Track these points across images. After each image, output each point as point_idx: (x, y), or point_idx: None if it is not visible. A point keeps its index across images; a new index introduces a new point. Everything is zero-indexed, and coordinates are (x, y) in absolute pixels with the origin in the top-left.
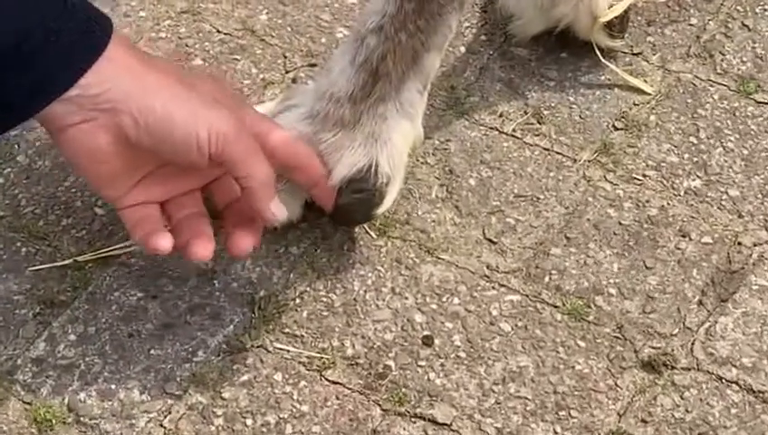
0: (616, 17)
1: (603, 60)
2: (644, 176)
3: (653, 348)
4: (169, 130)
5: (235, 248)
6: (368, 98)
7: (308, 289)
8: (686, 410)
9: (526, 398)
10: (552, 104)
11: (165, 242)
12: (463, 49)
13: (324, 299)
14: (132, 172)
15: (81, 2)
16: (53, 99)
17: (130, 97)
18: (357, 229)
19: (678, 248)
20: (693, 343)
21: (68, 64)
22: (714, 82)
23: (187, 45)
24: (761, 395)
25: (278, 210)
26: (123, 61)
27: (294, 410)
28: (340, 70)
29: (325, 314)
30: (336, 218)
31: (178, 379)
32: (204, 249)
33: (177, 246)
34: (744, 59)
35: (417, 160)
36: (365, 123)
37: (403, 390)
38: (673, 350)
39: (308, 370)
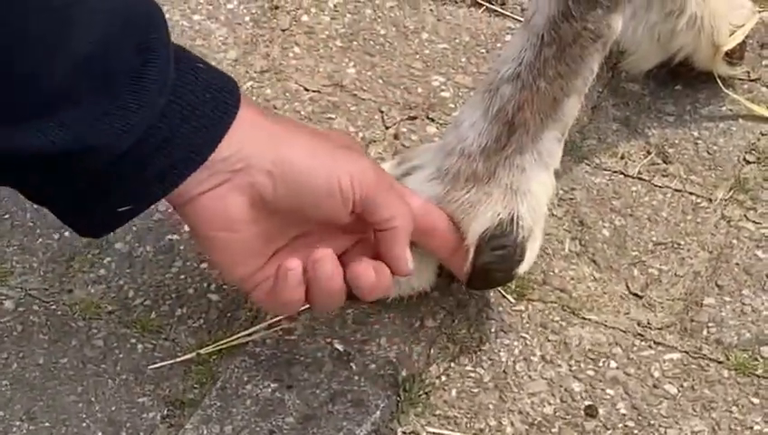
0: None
1: (725, 90)
2: None
3: None
4: (308, 180)
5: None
6: (503, 150)
7: (452, 365)
8: None
9: None
10: (676, 141)
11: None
12: None
13: (472, 374)
14: (266, 244)
15: (207, 68)
16: (189, 174)
17: (263, 152)
18: (492, 294)
19: None
20: None
21: (203, 139)
22: None
23: (275, 107)
24: None
25: (412, 264)
26: (251, 118)
27: None
28: (471, 124)
29: (475, 390)
30: (473, 282)
31: None
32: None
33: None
34: None
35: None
36: (501, 176)
37: None
38: None
39: None
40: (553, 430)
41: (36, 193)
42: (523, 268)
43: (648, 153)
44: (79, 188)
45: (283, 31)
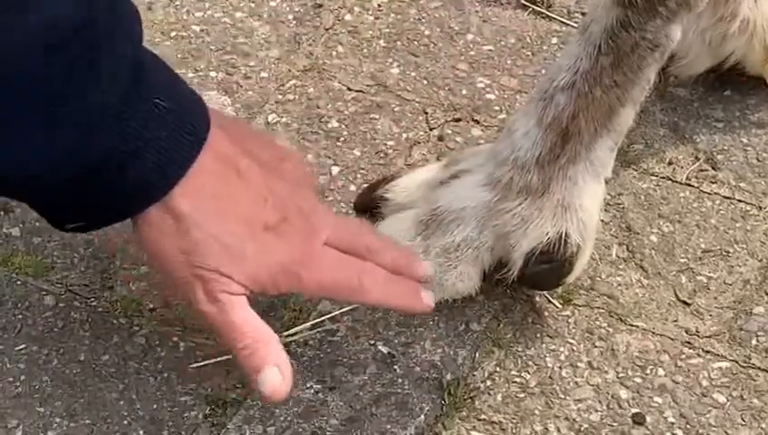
0: None
1: None
2: None
3: None
4: None
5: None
6: (556, 160)
7: (498, 369)
8: None
9: None
10: (725, 147)
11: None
12: None
13: (517, 379)
14: None
15: (167, 108)
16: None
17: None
18: (538, 299)
19: None
20: None
21: (160, 177)
22: None
23: (318, 107)
24: None
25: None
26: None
27: None
28: (525, 132)
29: (521, 395)
30: (520, 284)
31: None
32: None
33: None
34: None
35: None
36: (554, 190)
37: None
38: None
39: None
40: None
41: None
42: (570, 278)
43: (697, 159)
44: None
45: (327, 30)
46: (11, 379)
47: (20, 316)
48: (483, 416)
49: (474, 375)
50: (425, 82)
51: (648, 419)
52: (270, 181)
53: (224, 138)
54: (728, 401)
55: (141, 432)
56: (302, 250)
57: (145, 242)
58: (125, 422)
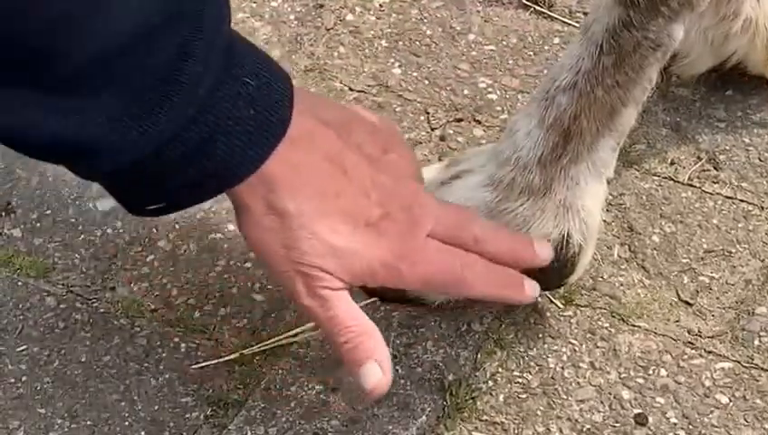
0: None
1: None
2: None
3: None
4: None
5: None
6: (558, 160)
7: (500, 370)
8: None
9: None
10: (727, 147)
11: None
12: None
13: (519, 380)
14: None
15: (256, 86)
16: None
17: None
18: (540, 299)
19: None
20: None
21: (233, 162)
22: None
23: None
24: None
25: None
26: (290, 156)
27: None
28: (526, 133)
29: (523, 396)
30: None
31: None
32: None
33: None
34: None
35: None
36: (556, 190)
37: None
38: None
39: None
40: None
41: (79, 174)
42: (572, 278)
43: (699, 159)
44: (109, 177)
45: (328, 30)
46: (12, 380)
47: (21, 317)
48: (485, 417)
49: (475, 376)
50: (426, 82)
51: (651, 419)
52: (374, 175)
53: (329, 134)
54: (731, 401)
55: (142, 433)
56: (404, 245)
57: (247, 236)
58: (126, 423)
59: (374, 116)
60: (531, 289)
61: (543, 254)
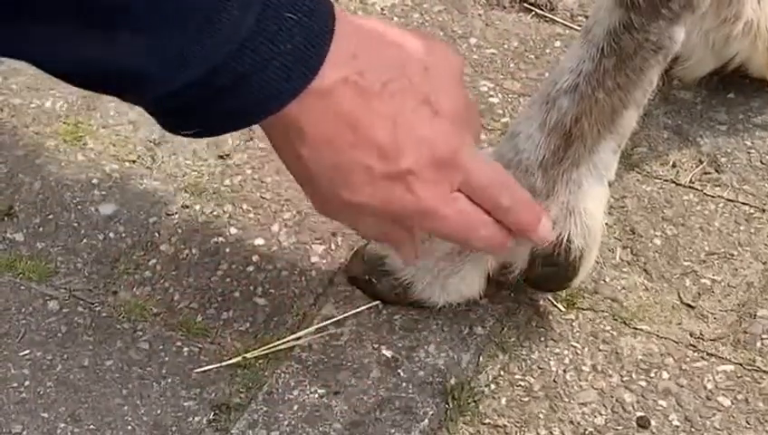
0: None
1: None
2: None
3: None
4: None
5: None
6: (560, 163)
7: (501, 373)
8: None
9: None
10: (728, 150)
11: None
12: None
13: (521, 383)
14: None
15: (297, 20)
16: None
17: None
18: (542, 303)
19: None
20: None
21: (274, 91)
22: None
23: None
24: None
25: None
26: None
27: None
28: (528, 136)
29: (525, 399)
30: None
31: None
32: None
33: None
34: None
35: None
36: (558, 193)
37: None
38: None
39: None
40: None
41: (123, 99)
42: (576, 281)
43: (700, 162)
44: (153, 103)
45: None
46: (15, 384)
47: (24, 321)
48: (487, 420)
49: (478, 379)
50: None
51: (653, 422)
52: (407, 127)
53: (352, 91)
54: (733, 404)
55: None
56: (424, 203)
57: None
58: (129, 427)
59: (431, 53)
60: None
61: (541, 236)
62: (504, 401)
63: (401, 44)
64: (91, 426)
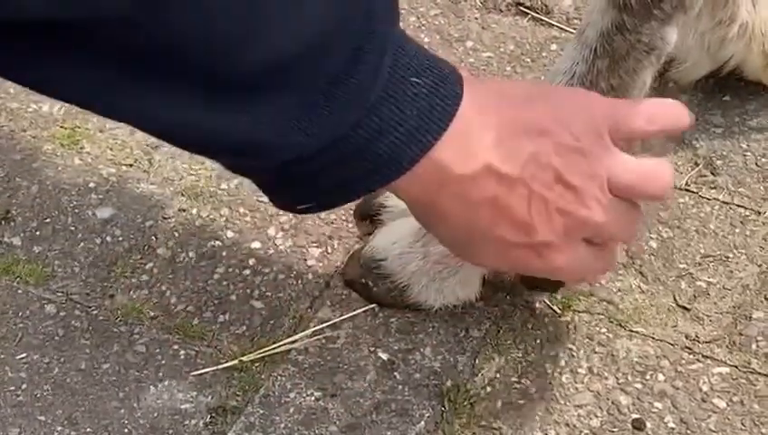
0: None
1: None
2: None
3: None
4: None
5: None
6: None
7: (497, 375)
8: None
9: None
10: (724, 153)
11: None
12: None
13: (517, 385)
14: None
15: (422, 84)
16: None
17: None
18: (538, 305)
19: None
20: None
21: (400, 154)
22: None
23: None
24: None
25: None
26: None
27: None
28: None
29: (521, 401)
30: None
31: None
32: None
33: None
34: None
35: None
36: None
37: None
38: None
39: None
40: None
41: (234, 170)
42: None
43: (696, 165)
44: (264, 175)
45: None
46: (12, 387)
47: (21, 325)
48: (483, 422)
49: (474, 381)
50: None
51: (649, 424)
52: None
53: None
54: (728, 406)
55: None
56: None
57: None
58: (125, 430)
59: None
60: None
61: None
62: (499, 403)
63: (540, 110)
64: (88, 429)
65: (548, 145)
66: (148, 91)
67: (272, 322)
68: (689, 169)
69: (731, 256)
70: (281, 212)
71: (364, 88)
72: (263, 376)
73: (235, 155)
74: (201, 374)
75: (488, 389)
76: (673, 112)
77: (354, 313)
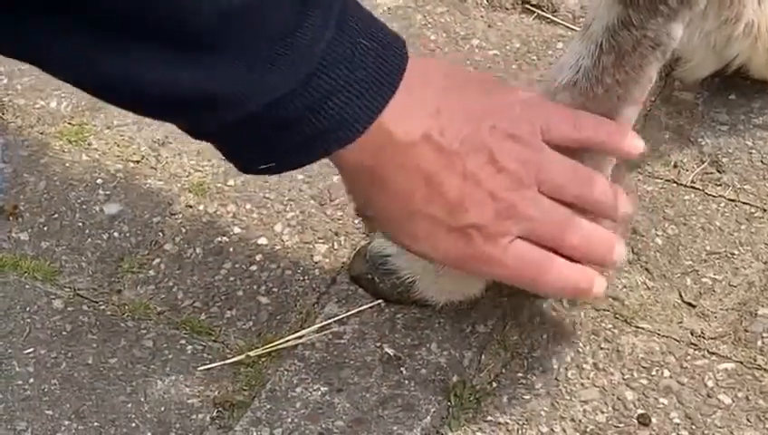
0: None
1: None
2: None
3: None
4: None
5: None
6: None
7: (503, 371)
8: None
9: None
10: (729, 150)
11: None
12: None
13: (523, 381)
14: None
15: (370, 47)
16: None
17: None
18: (544, 301)
19: None
20: None
21: (353, 114)
22: None
23: None
24: None
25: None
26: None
27: None
28: None
29: (527, 397)
30: None
31: None
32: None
33: None
34: None
35: None
36: None
37: None
38: None
39: None
40: None
41: (193, 130)
42: None
43: (702, 162)
44: (223, 132)
45: None
46: (20, 382)
47: (28, 320)
48: (489, 417)
49: (480, 377)
50: None
51: (654, 420)
52: (488, 183)
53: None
54: (733, 401)
55: (149, 434)
56: (483, 251)
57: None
58: (132, 425)
59: (519, 104)
60: (599, 287)
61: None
62: (505, 398)
63: (479, 95)
64: (95, 423)
65: (486, 127)
66: (103, 43)
67: (278, 317)
68: (695, 166)
69: (736, 252)
70: (287, 208)
71: (314, 40)
72: (269, 371)
73: (191, 111)
74: (208, 369)
75: (494, 384)
76: (607, 130)
77: (360, 308)
